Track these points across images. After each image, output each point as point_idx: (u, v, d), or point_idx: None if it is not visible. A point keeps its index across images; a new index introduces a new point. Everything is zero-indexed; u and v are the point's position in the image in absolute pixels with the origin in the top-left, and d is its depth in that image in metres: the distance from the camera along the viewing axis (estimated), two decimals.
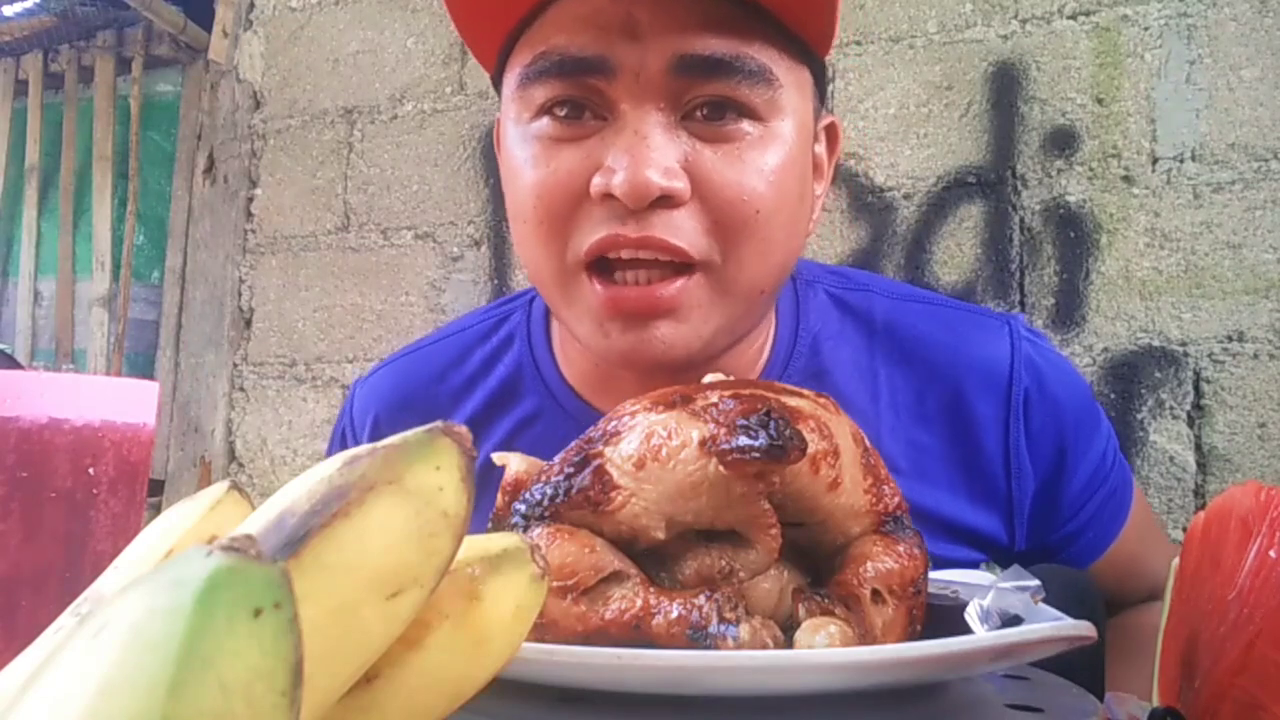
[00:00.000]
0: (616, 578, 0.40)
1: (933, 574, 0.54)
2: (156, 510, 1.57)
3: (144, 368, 2.36)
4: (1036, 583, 0.43)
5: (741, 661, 0.35)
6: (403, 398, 0.77)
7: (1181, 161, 1.35)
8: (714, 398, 0.41)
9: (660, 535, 0.40)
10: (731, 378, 0.48)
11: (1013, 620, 0.43)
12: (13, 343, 2.56)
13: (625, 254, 0.58)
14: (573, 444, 0.42)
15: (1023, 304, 1.42)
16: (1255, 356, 1.29)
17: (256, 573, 0.18)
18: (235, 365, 2.02)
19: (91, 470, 0.44)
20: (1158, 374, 1.33)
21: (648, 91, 0.57)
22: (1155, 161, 1.36)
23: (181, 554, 0.18)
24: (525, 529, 0.41)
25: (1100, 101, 1.40)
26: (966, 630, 0.42)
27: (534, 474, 0.44)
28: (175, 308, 2.28)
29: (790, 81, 0.60)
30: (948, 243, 1.47)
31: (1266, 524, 0.41)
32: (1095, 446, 0.72)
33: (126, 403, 0.46)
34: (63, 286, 2.54)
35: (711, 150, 0.58)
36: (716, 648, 0.37)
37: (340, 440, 0.82)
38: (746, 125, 0.58)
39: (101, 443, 0.44)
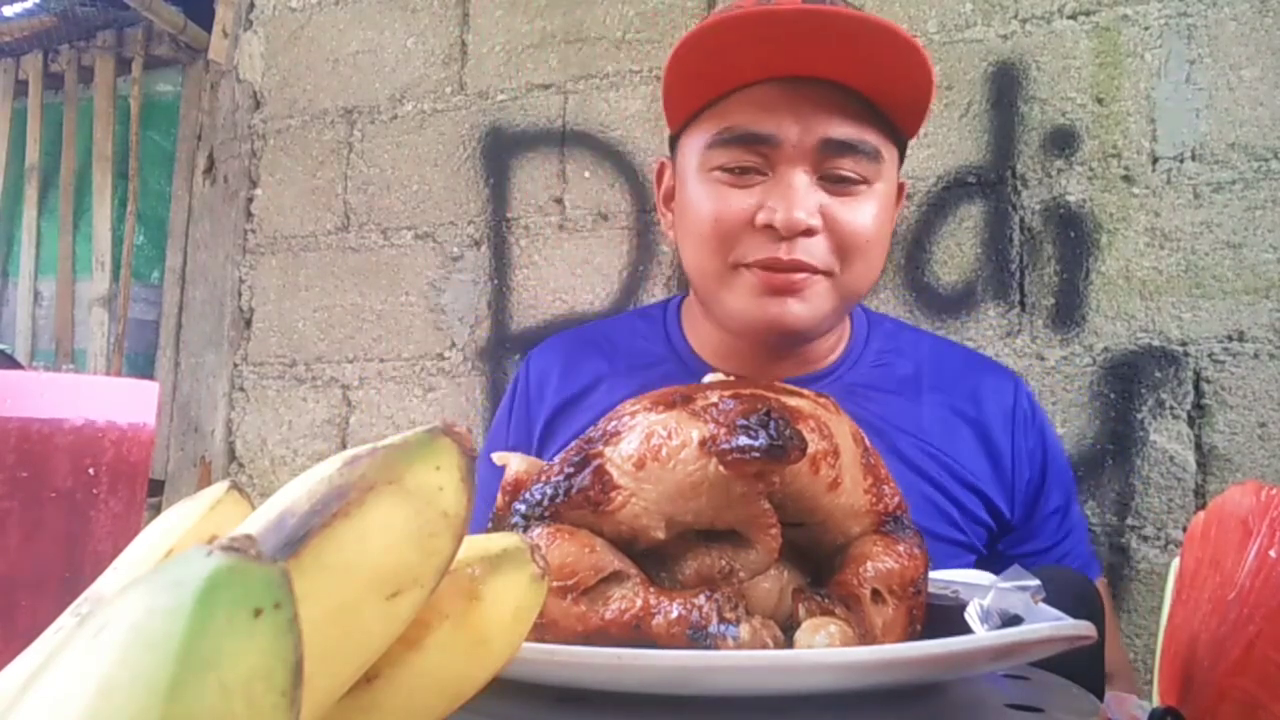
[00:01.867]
0: (616, 578, 0.40)
1: (933, 574, 0.54)
2: (156, 510, 1.57)
3: (144, 368, 2.36)
4: (1036, 583, 0.43)
5: (741, 661, 0.35)
6: (580, 344, 1.05)
7: (1181, 161, 1.35)
8: (714, 398, 0.41)
9: (660, 535, 0.40)
10: (731, 378, 0.48)
11: (1013, 620, 0.43)
12: (13, 343, 2.56)
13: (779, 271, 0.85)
14: (572, 444, 0.42)
15: (1023, 304, 1.42)
16: (1255, 356, 1.29)
17: (256, 573, 0.18)
18: (235, 365, 2.02)
19: (91, 470, 0.44)
20: (1158, 374, 1.33)
21: (800, 159, 0.84)
22: (1155, 161, 1.36)
23: (181, 554, 0.18)
24: (525, 529, 0.41)
25: (1100, 101, 1.40)
26: (966, 630, 0.42)
27: (534, 474, 0.43)
28: (175, 308, 2.28)
29: (888, 157, 0.88)
30: (948, 243, 1.47)
31: (1266, 524, 0.41)
32: (1066, 483, 0.98)
33: (126, 403, 0.46)
34: (63, 286, 2.54)
35: (838, 201, 0.85)
36: (716, 647, 0.37)
37: (514, 399, 1.05)
38: (861, 186, 0.86)
39: (101, 443, 0.44)
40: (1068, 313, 1.39)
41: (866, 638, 0.40)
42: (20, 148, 2.64)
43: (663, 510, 0.40)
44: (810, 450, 0.39)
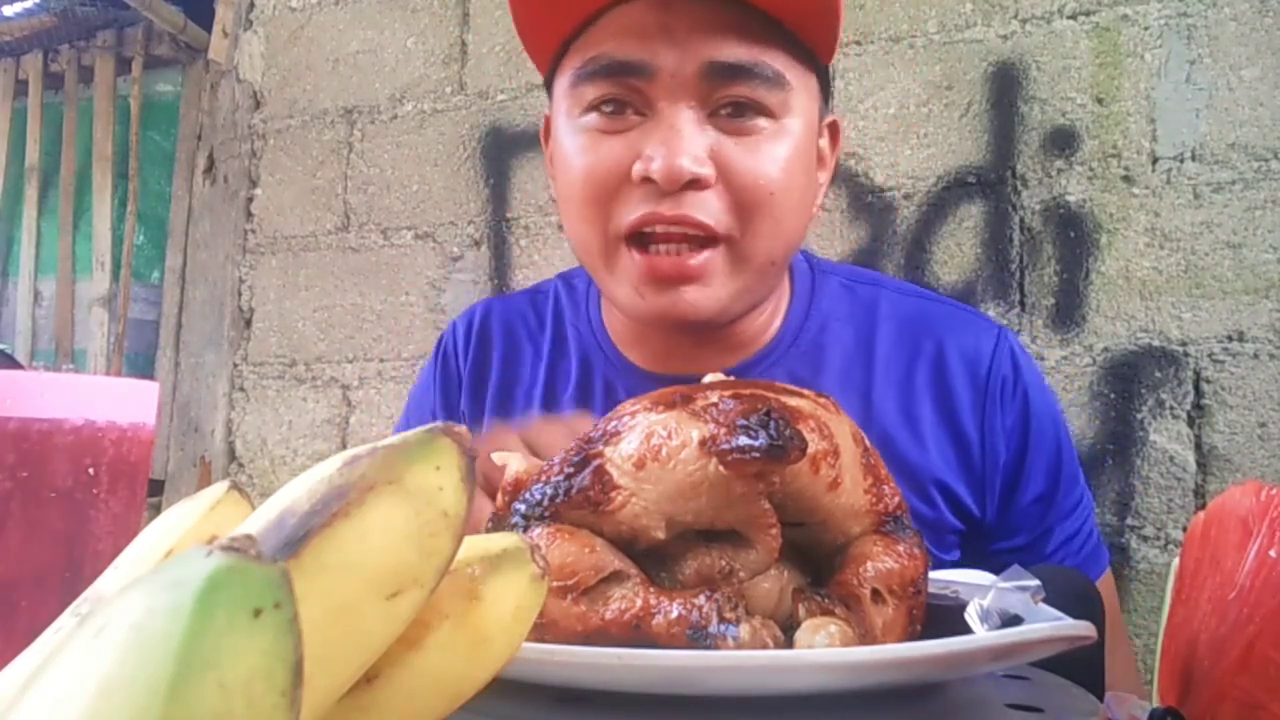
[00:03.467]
0: (616, 578, 0.40)
1: (933, 574, 0.54)
2: (156, 510, 1.57)
3: (144, 368, 2.36)
4: (1036, 583, 0.43)
5: (741, 661, 0.35)
6: (496, 325, 0.90)
7: (1181, 161, 1.35)
8: (714, 398, 0.41)
9: (660, 535, 0.40)
10: (732, 377, 0.48)
11: (1013, 620, 0.43)
12: (13, 343, 2.56)
13: (660, 229, 0.69)
14: (573, 443, 0.42)
15: (1023, 304, 1.42)
16: (1255, 356, 1.29)
17: (256, 573, 0.18)
18: (235, 365, 2.02)
19: (91, 470, 0.44)
20: (1158, 374, 1.33)
21: (681, 91, 0.68)
22: (1155, 161, 1.36)
23: (181, 554, 0.18)
24: (525, 529, 0.41)
25: (1100, 101, 1.40)
26: (966, 630, 0.42)
27: (534, 474, 0.43)
28: (175, 308, 2.28)
29: (800, 85, 0.71)
30: (948, 243, 1.47)
31: (1266, 524, 0.41)
32: (1055, 459, 0.81)
33: (126, 403, 0.46)
34: (63, 286, 2.54)
35: (733, 142, 0.69)
36: (716, 648, 0.37)
37: (440, 360, 0.92)
38: (762, 121, 0.70)
39: (101, 443, 0.44)
40: (1068, 313, 1.39)
41: (866, 638, 0.40)
42: (20, 148, 2.64)
43: (663, 510, 0.40)
44: (810, 450, 0.39)
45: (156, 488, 2.09)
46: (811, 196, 0.75)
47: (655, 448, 0.39)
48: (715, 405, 0.40)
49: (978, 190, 1.46)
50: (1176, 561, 0.46)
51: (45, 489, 0.43)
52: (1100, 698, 0.42)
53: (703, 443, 0.39)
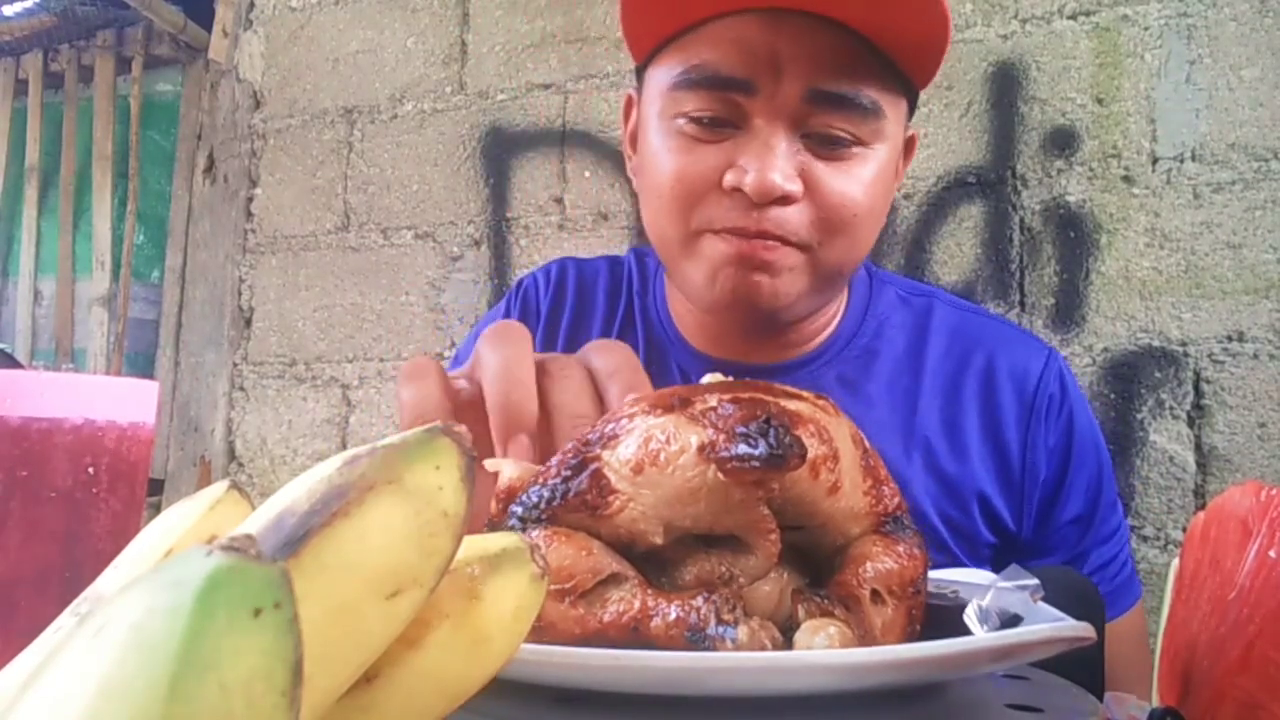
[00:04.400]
0: (614, 580, 0.40)
1: (933, 574, 0.54)
2: (156, 510, 1.57)
3: (144, 367, 2.36)
4: (1035, 582, 0.43)
5: (741, 662, 0.35)
6: (571, 283, 0.92)
7: (1181, 161, 1.35)
8: (712, 401, 0.41)
9: (658, 540, 0.40)
10: (730, 379, 0.48)
11: (1012, 620, 0.43)
12: (13, 343, 2.56)
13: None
14: (569, 445, 0.42)
15: (1023, 304, 1.42)
16: (1255, 356, 1.29)
17: (256, 572, 0.18)
18: (235, 365, 2.02)
19: (91, 470, 0.44)
20: (1158, 374, 1.33)
21: (780, 112, 0.69)
22: (1155, 161, 1.36)
23: (181, 554, 0.18)
24: (522, 531, 0.41)
25: (1100, 101, 1.40)
26: (966, 631, 0.42)
27: (528, 479, 0.43)
28: (175, 307, 2.28)
29: (892, 113, 0.73)
30: (948, 243, 1.47)
31: (1266, 524, 0.41)
32: (1096, 482, 0.82)
33: (126, 402, 0.46)
34: (63, 286, 2.54)
35: (823, 164, 0.71)
36: (715, 649, 0.37)
37: (520, 298, 0.93)
38: (855, 149, 0.71)
39: (101, 442, 0.44)
40: (1068, 313, 1.39)
41: (866, 638, 0.40)
42: (20, 148, 2.64)
43: (660, 515, 0.39)
44: (810, 456, 0.39)
45: (156, 488, 2.09)
46: (885, 212, 0.78)
47: (653, 453, 0.39)
48: (714, 410, 0.40)
49: (978, 190, 1.46)
50: (1176, 561, 0.46)
51: (45, 488, 0.43)
52: (1100, 698, 0.42)
53: (701, 449, 0.39)
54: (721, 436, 0.39)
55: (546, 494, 0.40)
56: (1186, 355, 1.33)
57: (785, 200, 0.69)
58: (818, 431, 0.41)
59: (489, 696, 0.29)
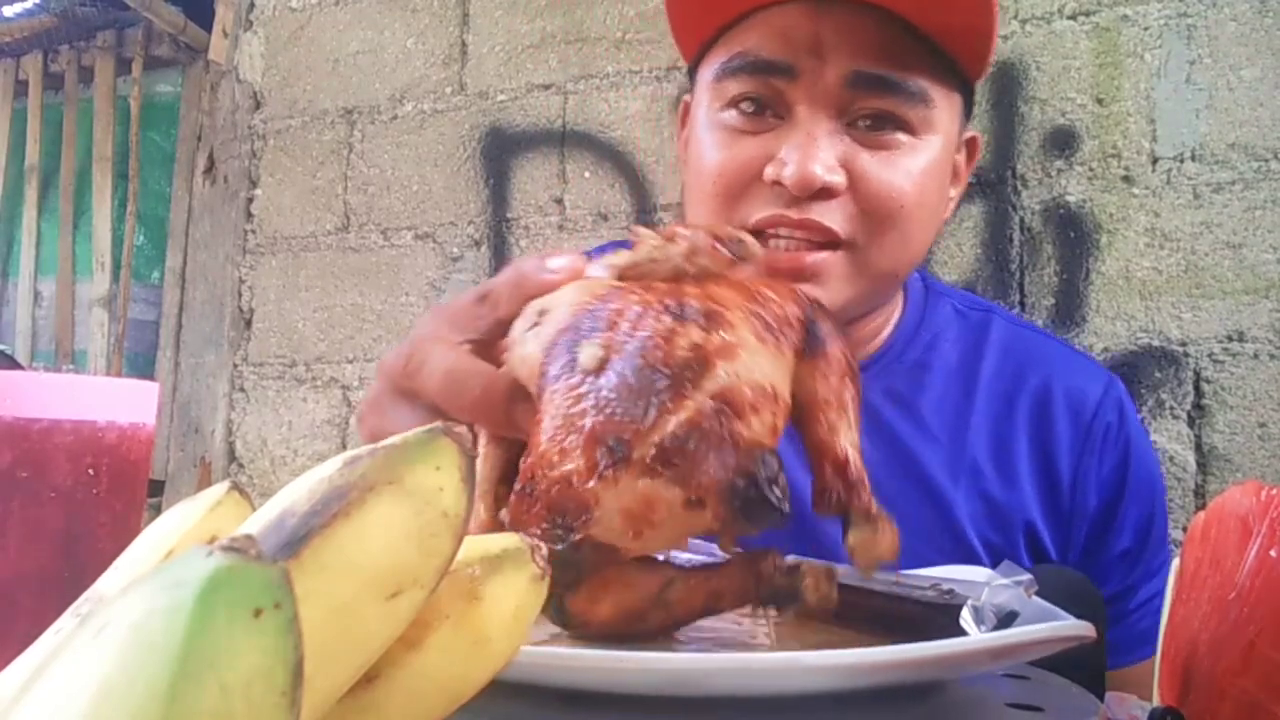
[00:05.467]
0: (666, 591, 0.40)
1: (927, 571, 0.54)
2: (156, 510, 1.57)
3: (144, 368, 2.36)
4: (1029, 576, 0.44)
5: (741, 663, 0.35)
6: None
7: (1181, 161, 1.35)
8: (655, 441, 0.39)
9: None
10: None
11: (1009, 617, 0.43)
12: (13, 343, 2.56)
13: (784, 231, 0.68)
14: (538, 529, 0.39)
15: (1023, 304, 1.42)
16: (1255, 356, 1.29)
17: (257, 573, 0.18)
18: (235, 365, 2.02)
19: (91, 470, 0.44)
20: (1158, 374, 1.33)
21: (822, 98, 0.67)
22: (1155, 161, 1.36)
23: (182, 554, 0.18)
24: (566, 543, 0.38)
25: (1100, 101, 1.40)
26: (964, 630, 0.42)
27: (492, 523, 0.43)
28: (175, 308, 2.28)
29: (943, 103, 0.70)
30: (948, 243, 1.47)
31: (1266, 524, 0.41)
32: (1149, 517, 0.78)
33: (126, 403, 0.46)
34: (63, 286, 2.54)
35: (868, 154, 0.68)
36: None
37: None
38: (901, 136, 0.69)
39: (101, 443, 0.44)
40: (1068, 313, 1.39)
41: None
42: (20, 148, 2.64)
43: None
44: (721, 387, 0.38)
45: (156, 488, 2.09)
46: (941, 212, 0.75)
47: (642, 514, 0.38)
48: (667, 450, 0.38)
49: (978, 190, 1.46)
50: (1176, 561, 0.46)
51: (45, 489, 0.43)
52: (1100, 698, 0.42)
53: (687, 503, 0.37)
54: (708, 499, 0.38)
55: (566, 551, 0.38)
56: (1186, 355, 1.33)
57: (827, 193, 0.67)
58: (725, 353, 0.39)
59: (490, 696, 0.29)
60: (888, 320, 0.80)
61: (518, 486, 0.40)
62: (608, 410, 0.37)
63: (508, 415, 0.44)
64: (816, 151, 0.66)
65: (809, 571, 0.39)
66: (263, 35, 2.07)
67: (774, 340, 0.41)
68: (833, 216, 0.67)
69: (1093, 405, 0.78)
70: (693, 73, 0.78)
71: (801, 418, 0.42)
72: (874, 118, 0.68)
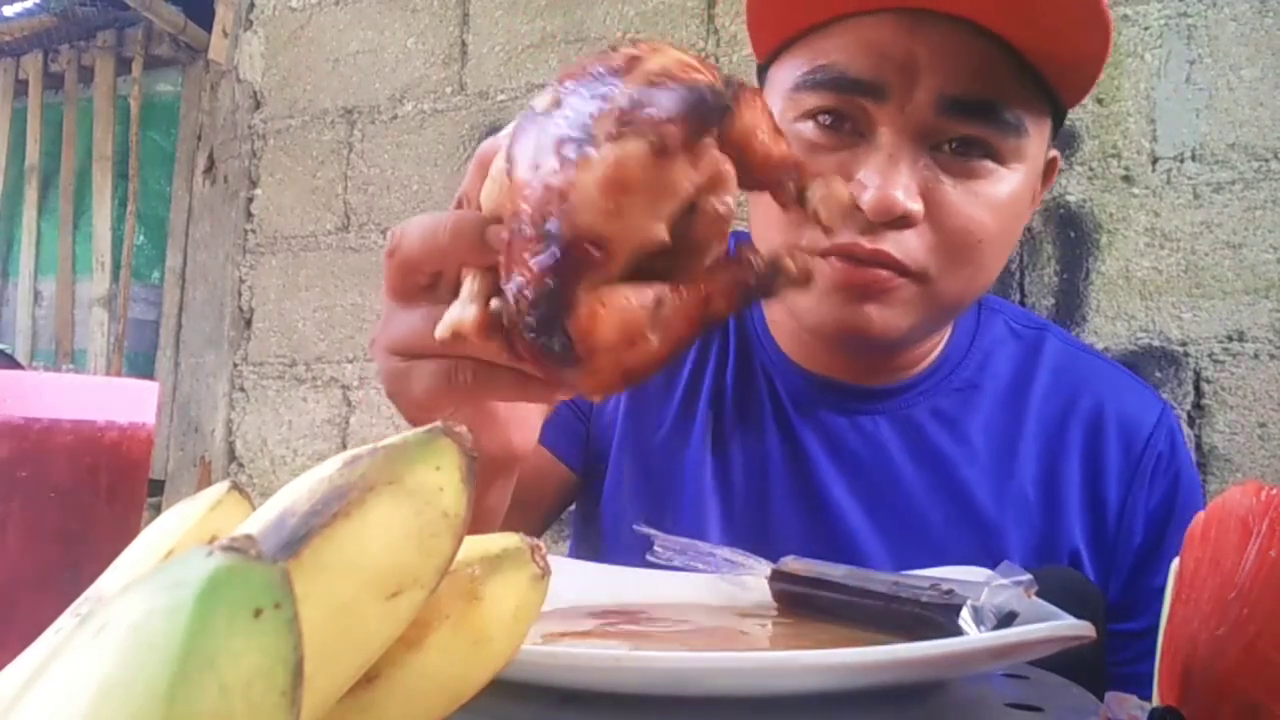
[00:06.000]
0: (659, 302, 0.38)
1: (928, 571, 0.54)
2: (156, 510, 1.57)
3: (144, 368, 2.36)
4: (1028, 577, 0.44)
5: (741, 663, 0.35)
6: None
7: (1181, 161, 1.35)
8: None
9: (665, 236, 0.38)
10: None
11: (1009, 617, 0.43)
12: (13, 343, 2.56)
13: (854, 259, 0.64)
14: (521, 220, 0.38)
15: (1023, 304, 1.42)
16: (1255, 356, 1.29)
17: (257, 573, 0.18)
18: (235, 365, 2.02)
19: (91, 470, 0.44)
20: (1158, 374, 1.33)
21: (909, 122, 0.63)
22: (1155, 161, 1.36)
23: (182, 554, 0.18)
24: (535, 330, 0.38)
25: (1100, 101, 1.40)
26: (963, 630, 0.42)
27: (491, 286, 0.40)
28: (175, 308, 2.28)
29: (1035, 133, 0.66)
30: None
31: (1266, 524, 0.41)
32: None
33: (126, 403, 0.46)
34: (63, 286, 2.54)
35: (951, 182, 0.64)
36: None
37: None
38: (988, 164, 0.65)
39: (101, 442, 0.44)
40: (1068, 313, 1.39)
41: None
42: (20, 148, 2.64)
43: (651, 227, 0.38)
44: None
45: (156, 488, 2.09)
46: (1015, 240, 0.71)
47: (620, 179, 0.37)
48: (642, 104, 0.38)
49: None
50: (1176, 561, 0.46)
51: (45, 489, 0.43)
52: (1100, 697, 0.42)
53: (654, 151, 0.37)
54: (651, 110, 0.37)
55: (545, 293, 0.37)
56: (1186, 355, 1.33)
57: (905, 222, 0.63)
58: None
59: (490, 696, 0.29)
60: (939, 340, 0.77)
61: (504, 234, 0.39)
62: (568, 118, 0.37)
63: (484, 238, 0.42)
64: (899, 177, 0.62)
65: (785, 252, 0.39)
66: (263, 35, 2.07)
67: (702, 62, 0.41)
68: (906, 248, 0.63)
69: (1145, 434, 0.75)
70: (762, 70, 0.73)
71: (738, 156, 0.41)
72: (962, 142, 0.64)
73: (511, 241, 0.38)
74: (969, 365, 0.77)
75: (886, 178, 0.62)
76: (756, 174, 0.41)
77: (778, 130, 0.41)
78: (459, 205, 0.45)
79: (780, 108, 0.68)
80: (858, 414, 0.76)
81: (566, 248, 0.36)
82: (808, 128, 0.66)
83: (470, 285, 0.42)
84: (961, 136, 0.64)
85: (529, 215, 0.38)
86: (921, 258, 0.64)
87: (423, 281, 0.44)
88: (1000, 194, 0.65)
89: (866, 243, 0.63)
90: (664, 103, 0.36)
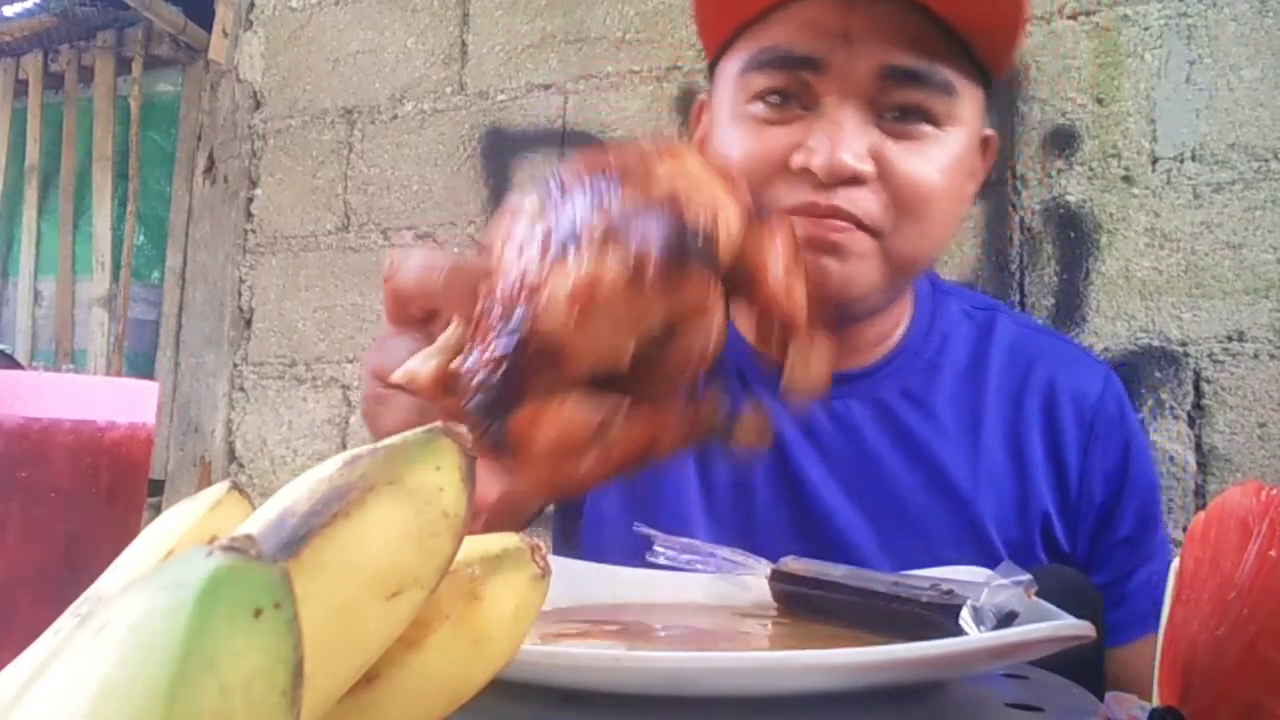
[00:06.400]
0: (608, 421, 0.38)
1: (927, 571, 0.54)
2: (156, 510, 1.57)
3: (144, 368, 2.36)
4: (1028, 577, 0.44)
5: (740, 663, 0.35)
6: None
7: (1181, 161, 1.35)
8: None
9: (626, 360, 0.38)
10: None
11: (1009, 617, 0.43)
12: (13, 343, 2.56)
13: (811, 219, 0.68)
14: (490, 309, 0.38)
15: (1023, 304, 1.42)
16: (1255, 356, 1.29)
17: (257, 573, 0.18)
18: (235, 365, 2.02)
19: (91, 470, 0.44)
20: (1158, 374, 1.33)
21: (850, 90, 0.68)
22: (1155, 161, 1.36)
23: (182, 554, 0.18)
24: (488, 421, 0.38)
25: (1100, 101, 1.40)
26: (963, 630, 0.42)
27: (457, 364, 0.41)
28: (175, 308, 2.28)
29: (967, 96, 0.72)
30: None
31: (1266, 524, 0.41)
32: (1146, 503, 0.81)
33: (126, 403, 0.46)
34: (63, 286, 2.54)
35: (895, 144, 0.69)
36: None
37: None
38: (926, 128, 0.70)
39: (101, 442, 0.44)
40: (1068, 313, 1.39)
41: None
42: (20, 148, 2.64)
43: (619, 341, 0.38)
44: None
45: (156, 488, 2.09)
46: (962, 206, 0.76)
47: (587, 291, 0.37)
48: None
49: (977, 190, 1.46)
50: (1176, 562, 0.46)
51: (45, 489, 0.43)
52: (1100, 698, 0.42)
53: (628, 277, 0.36)
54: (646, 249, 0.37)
55: (499, 378, 0.37)
56: (1186, 355, 1.33)
57: (856, 181, 0.67)
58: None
59: (490, 696, 0.29)
60: (899, 321, 0.81)
61: (477, 309, 0.39)
62: (565, 213, 0.38)
63: (474, 293, 0.42)
64: (846, 139, 0.66)
65: (748, 407, 0.39)
66: (263, 35, 2.07)
67: (725, 179, 0.41)
68: (861, 205, 0.68)
69: (1094, 400, 0.80)
70: (713, 69, 0.77)
71: (747, 275, 0.41)
72: (901, 109, 0.69)
73: (483, 315, 0.38)
74: (929, 347, 0.81)
75: (835, 141, 0.66)
76: (758, 307, 0.41)
77: (795, 268, 0.41)
78: (478, 248, 0.46)
79: (730, 94, 0.73)
80: (829, 398, 0.77)
81: (523, 343, 0.36)
82: (758, 108, 0.71)
83: (449, 334, 0.42)
84: (900, 104, 0.69)
85: (501, 297, 0.38)
86: (875, 213, 0.68)
87: (416, 314, 0.45)
88: (941, 154, 0.70)
89: (822, 200, 0.67)
90: (649, 231, 0.36)
